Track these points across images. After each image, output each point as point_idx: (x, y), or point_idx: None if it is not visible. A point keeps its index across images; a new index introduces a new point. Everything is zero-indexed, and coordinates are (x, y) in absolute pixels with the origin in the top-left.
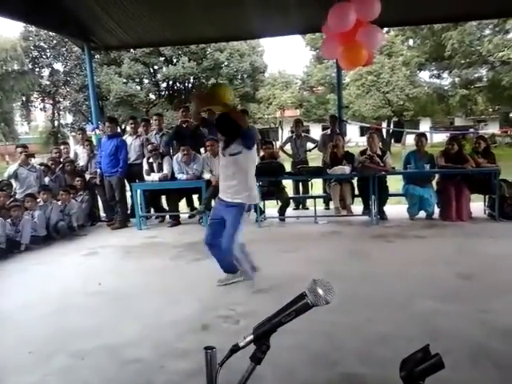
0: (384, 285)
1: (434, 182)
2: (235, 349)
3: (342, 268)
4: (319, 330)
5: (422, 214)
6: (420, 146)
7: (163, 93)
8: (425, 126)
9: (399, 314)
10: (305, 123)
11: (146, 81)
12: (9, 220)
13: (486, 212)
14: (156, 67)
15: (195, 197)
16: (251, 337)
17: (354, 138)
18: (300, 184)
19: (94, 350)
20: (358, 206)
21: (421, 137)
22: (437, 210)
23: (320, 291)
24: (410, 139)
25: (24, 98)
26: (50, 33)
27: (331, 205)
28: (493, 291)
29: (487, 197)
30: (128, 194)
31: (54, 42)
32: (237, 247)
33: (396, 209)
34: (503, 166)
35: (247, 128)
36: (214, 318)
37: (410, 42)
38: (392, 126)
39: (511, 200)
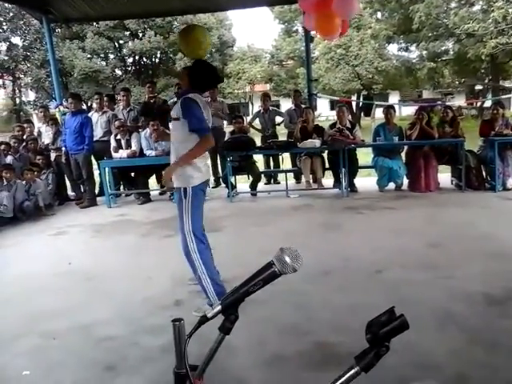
0: (354, 255)
1: (402, 154)
2: (203, 320)
3: (314, 240)
4: (290, 301)
5: (392, 185)
6: (389, 119)
7: (130, 68)
8: (394, 99)
9: (369, 283)
10: (275, 98)
11: (111, 56)
12: None
13: (453, 182)
14: (121, 42)
15: None
16: (219, 307)
17: (325, 112)
18: (271, 158)
19: (65, 330)
20: (328, 180)
21: (389, 109)
22: (406, 182)
23: (287, 259)
24: (379, 113)
25: None
26: (6, 4)
27: (302, 179)
28: (458, 259)
29: (454, 167)
30: (96, 171)
31: (11, 14)
32: (194, 249)
33: (366, 181)
34: (469, 138)
35: (187, 90)
36: (186, 294)
37: (379, 14)
38: (361, 100)
39: (476, 170)
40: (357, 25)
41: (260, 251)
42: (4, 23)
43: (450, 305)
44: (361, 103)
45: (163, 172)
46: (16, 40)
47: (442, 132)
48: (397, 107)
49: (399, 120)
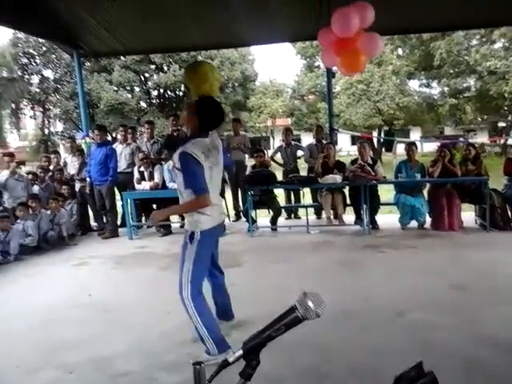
0: (375, 295)
1: (425, 192)
2: (225, 364)
3: (334, 279)
4: (309, 342)
5: (414, 223)
6: (411, 155)
7: (154, 101)
8: (415, 135)
9: (391, 326)
10: (296, 132)
11: (136, 89)
12: None
13: (477, 222)
14: (147, 75)
15: None
16: (240, 352)
17: (345, 147)
18: (292, 193)
19: (82, 363)
20: (349, 216)
21: (411, 146)
22: (428, 220)
23: (310, 304)
24: (400, 148)
25: (13, 106)
26: (40, 39)
27: (323, 214)
28: (484, 302)
29: (478, 206)
30: (119, 203)
31: (44, 48)
32: (187, 297)
33: (387, 218)
34: (493, 176)
35: (191, 135)
36: None
37: (400, 51)
38: (382, 135)
39: (501, 210)
40: (378, 61)
41: (279, 288)
42: (37, 57)
43: (478, 352)
44: (381, 139)
45: (153, 212)
46: (48, 73)
47: (465, 170)
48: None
49: (421, 156)
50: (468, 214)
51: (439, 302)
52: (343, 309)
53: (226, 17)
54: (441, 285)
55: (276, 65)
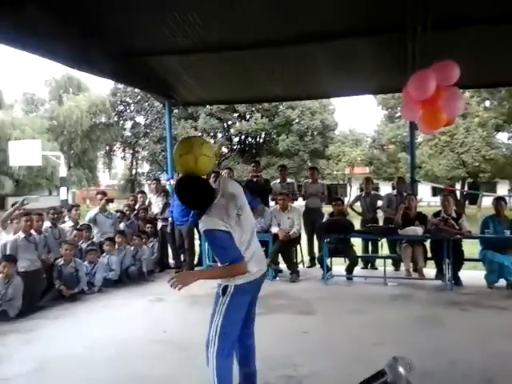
0: (460, 358)
1: None
2: None
3: (413, 336)
4: None
5: (502, 282)
6: (499, 210)
7: (235, 147)
8: (502, 188)
9: None
10: (374, 181)
11: (219, 135)
12: (86, 262)
13: None
14: (230, 122)
15: None
16: None
17: (426, 198)
18: (369, 243)
19: None
20: (429, 270)
21: (500, 201)
22: None
23: (401, 370)
24: (486, 202)
25: (107, 148)
26: (136, 89)
27: (401, 266)
28: None
29: None
30: (197, 242)
31: (138, 97)
32: (216, 356)
33: (472, 275)
34: None
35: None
36: (276, 378)
37: (487, 103)
38: (466, 187)
39: None
40: (463, 113)
41: (352, 341)
42: (132, 104)
43: None
44: (465, 192)
45: (184, 272)
46: (139, 119)
47: None
48: (507, 198)
49: (509, 211)
50: None
51: None
52: (422, 369)
53: (309, 71)
54: None
55: (356, 115)
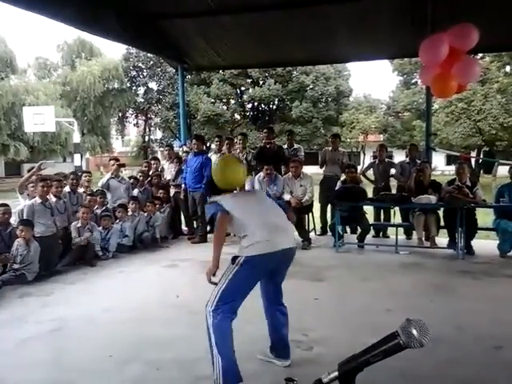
0: (469, 325)
1: None
2: (317, 383)
3: (423, 303)
4: (395, 366)
5: None
6: None
7: (248, 113)
8: None
9: (486, 359)
10: (388, 149)
11: (232, 101)
12: (100, 228)
13: None
14: (243, 88)
15: None
16: (336, 373)
17: (440, 167)
18: (382, 211)
19: (167, 362)
20: (442, 239)
21: None
22: None
23: (415, 332)
24: (501, 170)
25: (120, 114)
26: (148, 54)
27: (414, 235)
28: None
29: None
30: None
31: (151, 62)
32: (212, 314)
33: (484, 244)
34: None
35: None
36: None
37: (507, 68)
38: (482, 156)
39: None
40: (482, 79)
41: (362, 308)
42: (144, 70)
43: None
44: (480, 160)
45: (207, 273)
46: (152, 85)
47: None
48: None
49: None
50: None
51: None
52: (433, 336)
53: (326, 34)
54: None
55: (371, 81)
